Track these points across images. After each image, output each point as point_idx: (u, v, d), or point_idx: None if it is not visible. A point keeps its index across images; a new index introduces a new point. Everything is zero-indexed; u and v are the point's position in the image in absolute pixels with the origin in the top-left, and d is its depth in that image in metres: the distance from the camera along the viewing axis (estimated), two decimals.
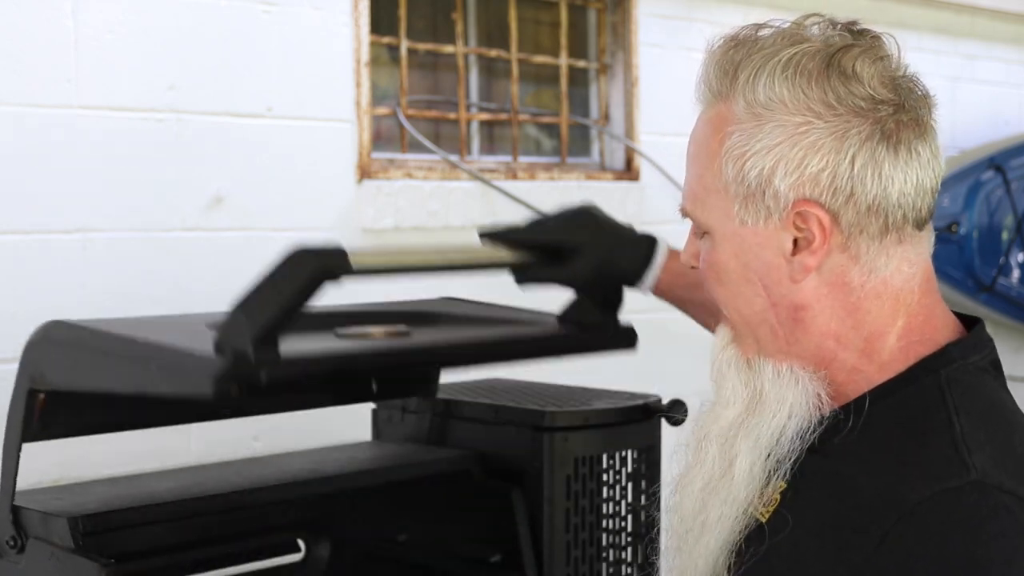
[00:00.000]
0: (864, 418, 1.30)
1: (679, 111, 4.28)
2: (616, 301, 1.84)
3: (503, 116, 3.56)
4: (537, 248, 1.76)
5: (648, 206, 3.55)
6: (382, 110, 3.25)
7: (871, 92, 1.27)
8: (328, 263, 1.43)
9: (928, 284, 1.34)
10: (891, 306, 1.31)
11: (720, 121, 1.32)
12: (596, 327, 1.84)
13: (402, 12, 3.29)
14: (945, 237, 4.49)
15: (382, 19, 3.24)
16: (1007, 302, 4.72)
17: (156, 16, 2.71)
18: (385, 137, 3.29)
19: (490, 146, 3.58)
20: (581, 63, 3.71)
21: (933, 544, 1.17)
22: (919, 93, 1.31)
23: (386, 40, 3.27)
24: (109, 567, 1.60)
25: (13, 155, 2.48)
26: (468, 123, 3.48)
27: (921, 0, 4.61)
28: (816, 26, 1.31)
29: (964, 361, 1.31)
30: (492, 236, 1.76)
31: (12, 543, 1.72)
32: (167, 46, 2.72)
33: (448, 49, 3.42)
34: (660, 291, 1.82)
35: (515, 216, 3.35)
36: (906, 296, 1.31)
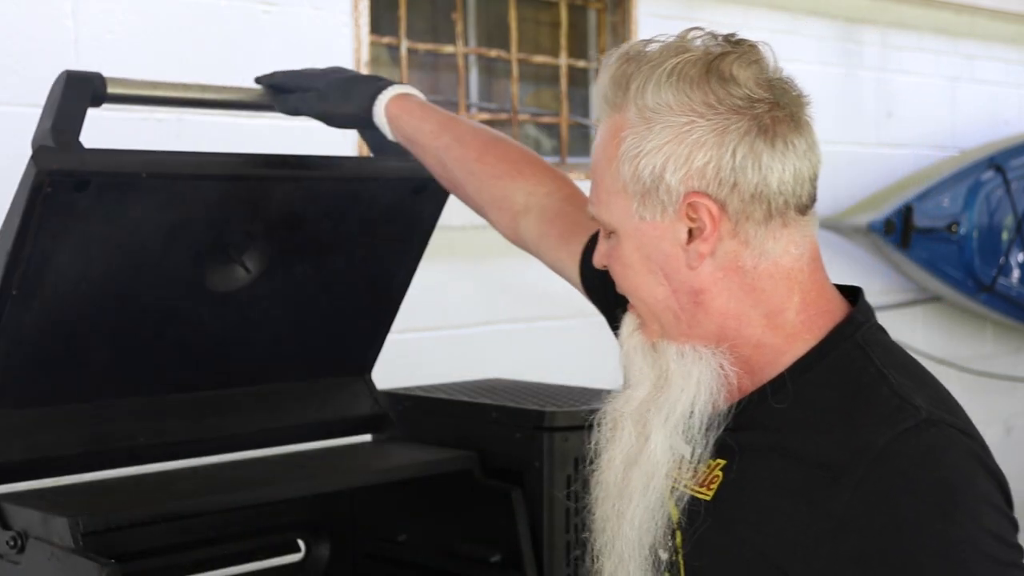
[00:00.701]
0: (794, 390, 1.40)
1: None
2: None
3: (503, 116, 3.56)
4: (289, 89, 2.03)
5: None
6: None
7: (748, 92, 1.39)
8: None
9: (816, 263, 1.45)
10: (785, 285, 1.42)
11: (615, 129, 1.43)
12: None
13: (402, 12, 3.29)
14: (945, 237, 4.49)
15: (382, 19, 3.24)
16: (1007, 302, 4.72)
17: (156, 16, 2.71)
18: None
19: None
20: (581, 63, 3.71)
21: (907, 477, 1.29)
22: (794, 93, 1.45)
23: (386, 40, 3.27)
24: (109, 567, 1.60)
25: (14, 155, 2.47)
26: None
27: (921, 0, 4.61)
28: (699, 39, 1.46)
29: (869, 324, 1.45)
30: (261, 79, 2.06)
31: (12, 543, 1.72)
32: (167, 46, 2.72)
33: (448, 49, 3.42)
34: (395, 129, 1.94)
35: None
36: (797, 275, 1.42)
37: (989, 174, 4.63)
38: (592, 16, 3.78)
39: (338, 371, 2.27)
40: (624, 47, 1.46)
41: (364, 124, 1.96)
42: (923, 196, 4.41)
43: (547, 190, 1.83)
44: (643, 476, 1.45)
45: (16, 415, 1.89)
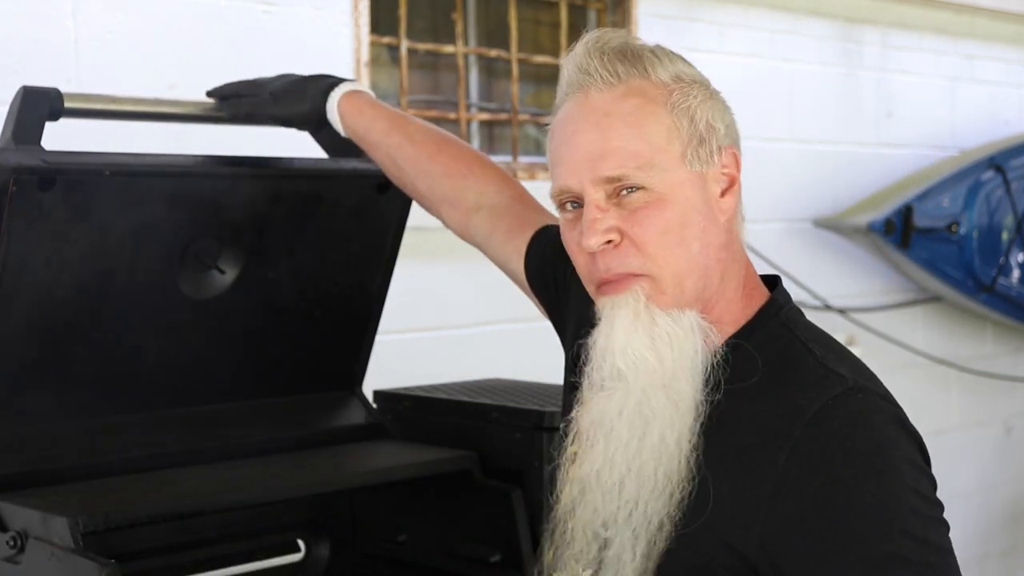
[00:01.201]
0: (731, 364, 1.45)
1: None
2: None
3: (503, 116, 3.56)
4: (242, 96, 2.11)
5: None
6: None
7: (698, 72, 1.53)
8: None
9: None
10: (740, 256, 1.53)
11: (644, 91, 1.46)
12: None
13: (402, 12, 3.29)
14: (945, 237, 4.49)
15: (382, 19, 3.24)
16: (1007, 302, 4.72)
17: (156, 16, 2.71)
18: None
19: (490, 146, 3.58)
20: None
21: (840, 439, 1.36)
22: None
23: (386, 40, 3.27)
24: (109, 567, 1.60)
25: None
26: (468, 123, 3.48)
27: (921, 0, 4.61)
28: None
29: (788, 306, 1.53)
30: (212, 92, 2.14)
31: (12, 543, 1.72)
32: (167, 46, 2.72)
33: (448, 49, 3.42)
34: (347, 127, 2.00)
35: None
36: (743, 247, 1.54)
37: (989, 174, 4.63)
38: (592, 16, 3.78)
39: (328, 382, 2.28)
40: (594, 34, 1.50)
41: (318, 123, 2.02)
42: (923, 196, 4.41)
43: (496, 189, 1.88)
44: (658, 438, 1.44)
45: (7, 429, 1.90)
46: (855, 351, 3.94)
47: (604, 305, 1.46)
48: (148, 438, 2.03)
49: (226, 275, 2.07)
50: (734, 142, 1.50)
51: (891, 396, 1.45)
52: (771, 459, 1.36)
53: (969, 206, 4.55)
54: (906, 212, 4.32)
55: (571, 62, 1.50)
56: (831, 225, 4.34)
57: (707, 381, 1.44)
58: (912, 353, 4.63)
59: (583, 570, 1.50)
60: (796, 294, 4.25)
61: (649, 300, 1.44)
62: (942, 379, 4.82)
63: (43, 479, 1.89)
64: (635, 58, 1.47)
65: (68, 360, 1.95)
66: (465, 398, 2.25)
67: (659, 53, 1.49)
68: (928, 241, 4.43)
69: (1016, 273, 4.74)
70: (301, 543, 2.18)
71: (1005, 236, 4.68)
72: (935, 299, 4.74)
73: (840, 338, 4.00)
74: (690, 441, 1.43)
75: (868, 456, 1.35)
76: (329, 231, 2.16)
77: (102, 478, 1.94)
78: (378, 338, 2.32)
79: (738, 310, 1.50)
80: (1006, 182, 4.65)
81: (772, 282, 1.59)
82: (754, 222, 4.31)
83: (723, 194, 1.48)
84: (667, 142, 1.44)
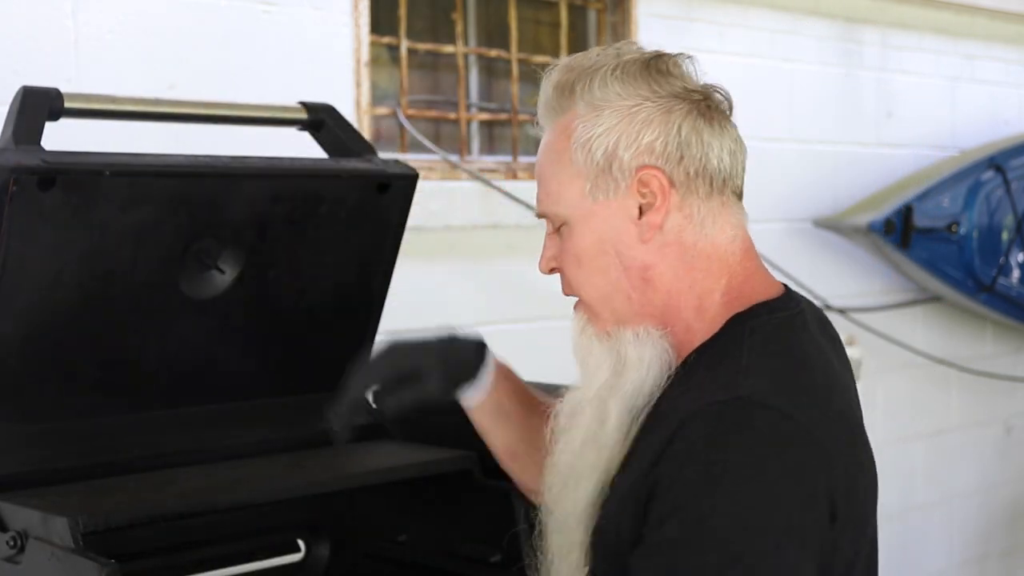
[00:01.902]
0: (684, 372, 1.51)
1: None
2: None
3: (503, 116, 3.56)
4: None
5: None
6: (382, 110, 3.26)
7: (684, 84, 1.53)
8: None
9: (748, 250, 1.57)
10: (718, 266, 1.53)
11: (564, 127, 1.54)
12: None
13: (402, 12, 3.29)
14: (945, 237, 4.49)
15: (382, 19, 3.24)
16: (1007, 302, 4.72)
17: (156, 16, 2.71)
18: (385, 137, 3.29)
19: (490, 146, 3.58)
20: None
21: (692, 444, 1.38)
22: (720, 96, 1.57)
23: (386, 40, 3.27)
24: (109, 567, 1.60)
25: None
26: (468, 123, 3.48)
27: (921, 0, 4.61)
28: (631, 49, 1.57)
29: (770, 316, 1.51)
30: (336, 416, 1.84)
31: (12, 543, 1.72)
32: (167, 46, 2.72)
33: (448, 49, 3.42)
34: (497, 390, 1.85)
35: (514, 214, 3.35)
36: (729, 257, 1.54)
37: (989, 174, 4.63)
38: (592, 16, 3.78)
39: (328, 382, 2.28)
40: (562, 60, 1.58)
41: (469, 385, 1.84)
42: (923, 196, 4.41)
43: None
44: (595, 457, 1.53)
45: (7, 429, 1.90)
46: (855, 351, 3.90)
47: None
48: (148, 438, 2.03)
49: (226, 275, 2.07)
50: (661, 156, 1.50)
51: (811, 417, 1.41)
52: (658, 449, 1.42)
53: (969, 206, 4.55)
54: (906, 212, 4.32)
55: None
56: (831, 225, 4.34)
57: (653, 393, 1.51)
58: (912, 353, 4.63)
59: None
60: None
61: (588, 322, 1.57)
62: (942, 379, 4.82)
63: (43, 479, 1.89)
64: (570, 90, 1.53)
65: (68, 360, 1.95)
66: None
67: (599, 76, 1.52)
68: (928, 241, 4.43)
69: (1016, 273, 4.74)
70: (301, 543, 2.18)
71: (1005, 236, 4.68)
72: (935, 299, 4.74)
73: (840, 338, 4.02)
74: (620, 441, 1.51)
75: (708, 469, 1.37)
76: (329, 231, 2.16)
77: (102, 478, 1.94)
78: (378, 338, 2.32)
79: (710, 319, 1.52)
80: (1006, 182, 4.65)
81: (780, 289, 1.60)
82: (754, 222, 4.28)
83: (642, 214, 1.51)
84: (570, 179, 1.53)
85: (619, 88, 1.51)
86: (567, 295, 1.59)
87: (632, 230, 1.51)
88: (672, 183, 1.50)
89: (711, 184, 1.52)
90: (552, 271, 1.59)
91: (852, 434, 1.48)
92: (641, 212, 1.51)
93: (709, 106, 1.53)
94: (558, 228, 1.56)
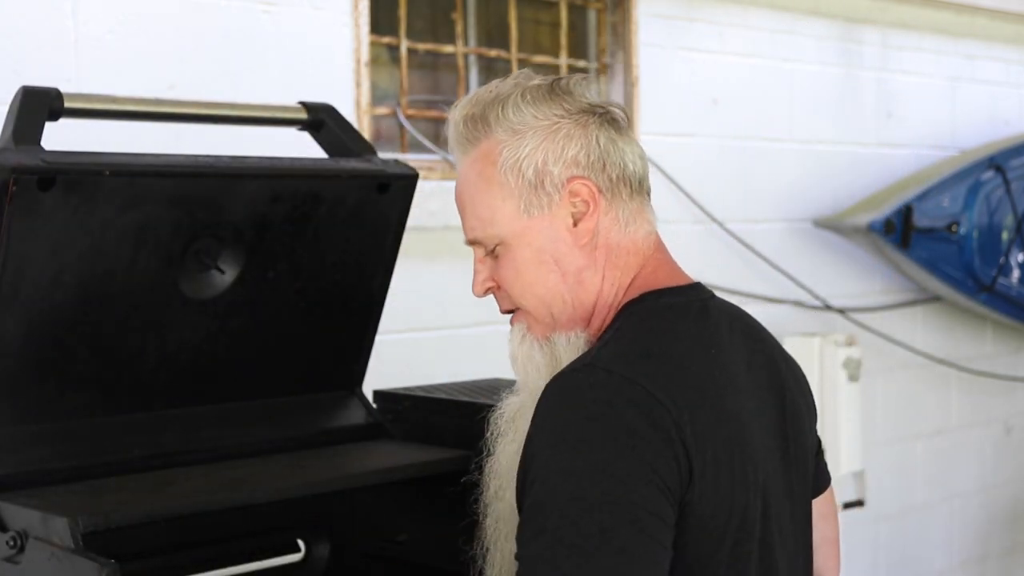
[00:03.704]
0: None
1: (679, 111, 4.32)
2: None
3: None
4: None
5: None
6: (382, 110, 3.26)
7: (587, 102, 1.65)
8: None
9: (659, 244, 1.68)
10: (635, 260, 1.65)
11: (485, 154, 1.64)
12: None
13: (402, 12, 3.29)
14: (945, 237, 4.49)
15: (382, 19, 3.24)
16: (1007, 302, 4.72)
17: (156, 16, 2.71)
18: (385, 137, 3.29)
19: None
20: (581, 63, 3.72)
21: (548, 402, 1.49)
22: (617, 110, 1.67)
23: (386, 40, 3.27)
24: (109, 567, 1.60)
25: None
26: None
27: (921, 0, 4.61)
28: (532, 77, 1.67)
29: (656, 301, 1.62)
30: None
31: (12, 543, 1.72)
32: (167, 46, 2.72)
33: (448, 49, 3.42)
34: None
35: None
36: (644, 251, 1.66)
37: (989, 174, 4.62)
38: (592, 16, 3.78)
39: (328, 382, 2.29)
40: (462, 99, 1.69)
41: None
42: (923, 196, 4.41)
43: None
44: None
45: (7, 430, 1.90)
46: (854, 351, 3.89)
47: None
48: (148, 438, 2.03)
49: (226, 275, 2.07)
50: (587, 167, 1.62)
51: (650, 381, 1.48)
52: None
53: (969, 206, 4.55)
54: (906, 212, 4.32)
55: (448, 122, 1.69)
56: (831, 225, 4.34)
57: None
58: (912, 353, 4.63)
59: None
60: (796, 294, 4.25)
61: (528, 331, 1.67)
62: (942, 379, 4.82)
63: (43, 479, 1.89)
64: (483, 120, 1.64)
65: (68, 360, 1.95)
66: (465, 398, 2.25)
67: (510, 103, 1.63)
68: (928, 241, 4.43)
69: (1016, 273, 4.74)
70: (301, 543, 2.18)
71: (1005, 236, 4.68)
72: (935, 299, 4.74)
73: (840, 338, 4.03)
74: None
75: (553, 424, 1.47)
76: (329, 231, 2.16)
77: (102, 478, 1.94)
78: (378, 338, 2.32)
79: (616, 309, 1.63)
80: (1006, 182, 4.65)
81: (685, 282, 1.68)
82: (754, 222, 4.31)
83: (577, 222, 1.62)
84: (502, 200, 1.63)
85: (533, 111, 1.62)
86: (505, 312, 1.70)
87: (567, 238, 1.62)
88: (600, 190, 1.62)
89: (631, 187, 1.64)
90: (487, 292, 1.70)
91: (706, 406, 1.51)
92: (575, 220, 1.62)
93: (614, 118, 1.65)
94: (492, 250, 1.67)
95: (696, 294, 1.66)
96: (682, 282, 1.67)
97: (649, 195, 1.69)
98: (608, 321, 1.63)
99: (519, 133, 1.62)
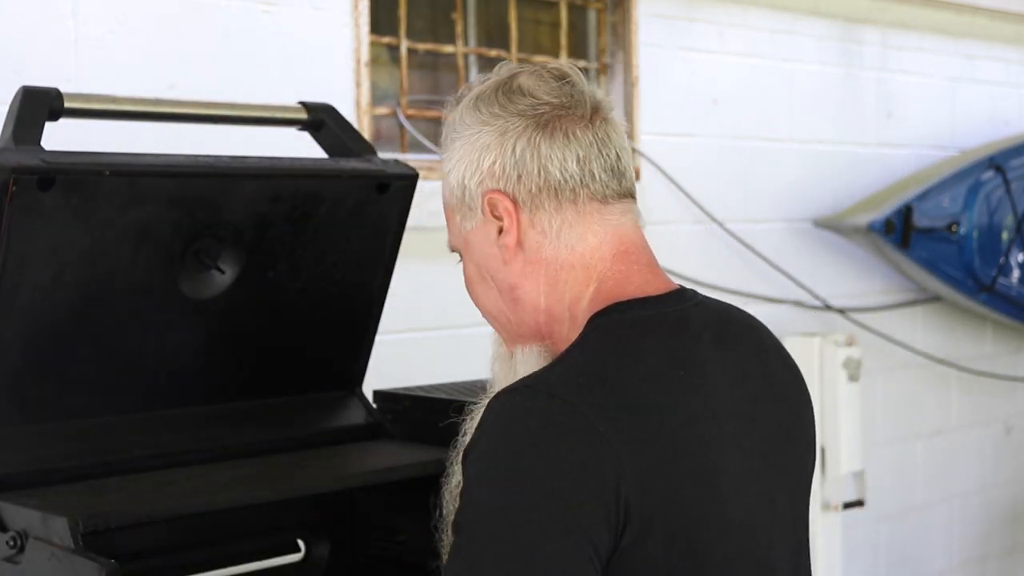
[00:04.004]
0: None
1: (679, 111, 4.32)
2: None
3: None
4: None
5: (648, 206, 3.55)
6: (382, 110, 3.26)
7: (534, 100, 1.53)
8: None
9: (623, 253, 1.54)
10: (583, 274, 1.53)
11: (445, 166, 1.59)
12: None
13: (402, 12, 3.29)
14: (945, 237, 4.49)
15: (382, 19, 3.24)
16: (1007, 302, 4.72)
17: (156, 16, 2.71)
18: (385, 137, 3.29)
19: None
20: (581, 63, 3.71)
21: (486, 422, 1.42)
22: (588, 102, 1.55)
23: (386, 40, 3.27)
24: (109, 567, 1.60)
25: None
26: None
27: (921, 0, 4.61)
28: (519, 70, 1.58)
29: (621, 315, 1.49)
30: None
31: (12, 543, 1.72)
32: (167, 46, 2.72)
33: (448, 49, 3.42)
34: None
35: None
36: (596, 263, 1.53)
37: (989, 174, 4.63)
38: (592, 16, 3.78)
39: (328, 382, 2.29)
40: (459, 92, 1.61)
41: None
42: (923, 196, 4.41)
43: None
44: None
45: (7, 430, 1.90)
46: (854, 351, 3.90)
47: None
48: (148, 438, 2.03)
49: (226, 275, 2.07)
50: (501, 178, 1.53)
51: (587, 406, 1.39)
52: None
53: (969, 206, 4.55)
54: (906, 212, 4.32)
55: None
56: (831, 225, 4.34)
57: None
58: (912, 353, 4.63)
59: None
60: (796, 294, 4.25)
61: (501, 344, 1.65)
62: (942, 379, 4.82)
63: (43, 479, 1.89)
64: (448, 125, 1.59)
65: (68, 360, 1.95)
66: (465, 398, 2.25)
67: (459, 110, 1.57)
68: (928, 241, 4.43)
69: (1016, 273, 4.74)
70: (301, 543, 2.18)
71: (1005, 236, 4.68)
72: (935, 299, 4.74)
73: (840, 338, 4.03)
74: None
75: (485, 447, 1.40)
76: (329, 231, 2.16)
77: (102, 478, 1.94)
78: (378, 338, 2.32)
79: (579, 326, 1.52)
80: (1006, 182, 4.65)
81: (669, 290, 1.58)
82: (754, 222, 4.32)
83: (500, 234, 1.54)
84: (450, 212, 1.60)
85: (468, 117, 1.55)
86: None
87: (496, 253, 1.56)
88: (516, 203, 1.53)
89: (558, 196, 1.52)
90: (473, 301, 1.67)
91: (664, 436, 1.41)
92: (500, 234, 1.54)
93: (555, 116, 1.52)
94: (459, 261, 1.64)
95: (673, 305, 1.53)
96: (658, 291, 1.54)
97: (603, 201, 1.54)
98: (575, 332, 1.52)
99: (453, 142, 1.57)
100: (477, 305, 1.65)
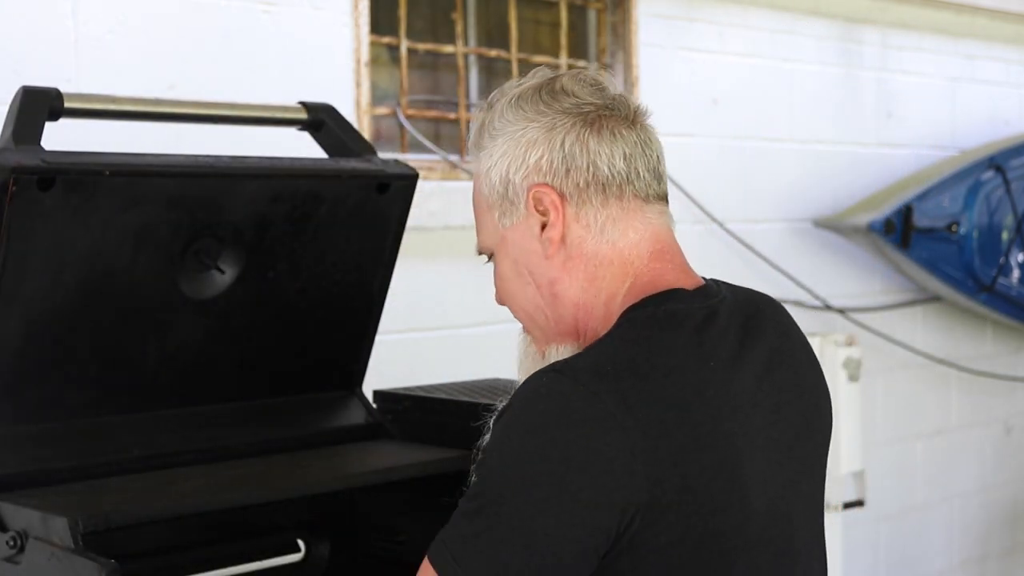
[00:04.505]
0: None
1: (679, 111, 4.32)
2: None
3: None
4: None
5: None
6: (382, 110, 3.26)
7: (578, 100, 1.56)
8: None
9: (660, 251, 1.58)
10: (621, 270, 1.56)
11: (480, 164, 1.61)
12: None
13: (402, 12, 3.29)
14: (945, 237, 4.49)
15: (382, 19, 3.24)
16: (1007, 302, 4.72)
17: (156, 16, 2.71)
18: (385, 137, 3.29)
19: None
20: (581, 63, 3.72)
21: (515, 398, 1.45)
22: (630, 105, 1.60)
23: (386, 40, 3.27)
24: (109, 567, 1.60)
25: None
26: (468, 123, 3.48)
27: (921, 0, 4.61)
28: (558, 74, 1.61)
29: (656, 307, 1.52)
30: None
31: (12, 543, 1.72)
32: (167, 46, 2.72)
33: (448, 49, 3.42)
34: None
35: None
36: (634, 260, 1.56)
37: (989, 174, 4.63)
38: (592, 16, 3.78)
39: (328, 382, 2.29)
40: (484, 100, 1.64)
41: None
42: (923, 196, 4.41)
43: None
44: None
45: (7, 430, 1.90)
46: (854, 351, 3.90)
47: None
48: (148, 438, 2.03)
49: (226, 275, 2.07)
50: (548, 173, 1.55)
51: (610, 393, 1.41)
52: None
53: (969, 206, 4.55)
54: (906, 212, 4.32)
55: None
56: (831, 225, 4.34)
57: None
58: (912, 353, 4.63)
59: None
60: (796, 294, 4.25)
61: (530, 344, 1.65)
62: (942, 379, 4.82)
63: (43, 479, 1.89)
64: (483, 127, 1.60)
65: (68, 360, 1.95)
66: (465, 398, 2.25)
67: (498, 109, 1.59)
68: (928, 241, 4.43)
69: (1016, 273, 4.74)
70: (301, 543, 2.18)
71: (1005, 236, 4.68)
72: (935, 299, 4.74)
73: (840, 338, 4.03)
74: None
75: (508, 421, 1.43)
76: (329, 231, 2.16)
77: (102, 478, 1.94)
78: (378, 338, 2.32)
79: (611, 322, 1.54)
80: (1006, 182, 4.65)
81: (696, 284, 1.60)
82: (754, 222, 4.31)
83: (543, 229, 1.56)
84: (486, 210, 1.61)
85: (511, 116, 1.57)
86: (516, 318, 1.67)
87: (538, 248, 1.57)
88: (563, 197, 1.55)
89: (605, 191, 1.55)
90: (502, 303, 1.67)
91: (685, 428, 1.43)
92: (543, 229, 1.56)
93: (600, 115, 1.56)
94: (489, 260, 1.65)
95: (703, 300, 1.55)
96: (691, 284, 1.57)
97: (648, 197, 1.58)
98: (608, 326, 1.53)
99: (494, 140, 1.59)
100: (510, 304, 1.64)
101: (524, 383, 1.47)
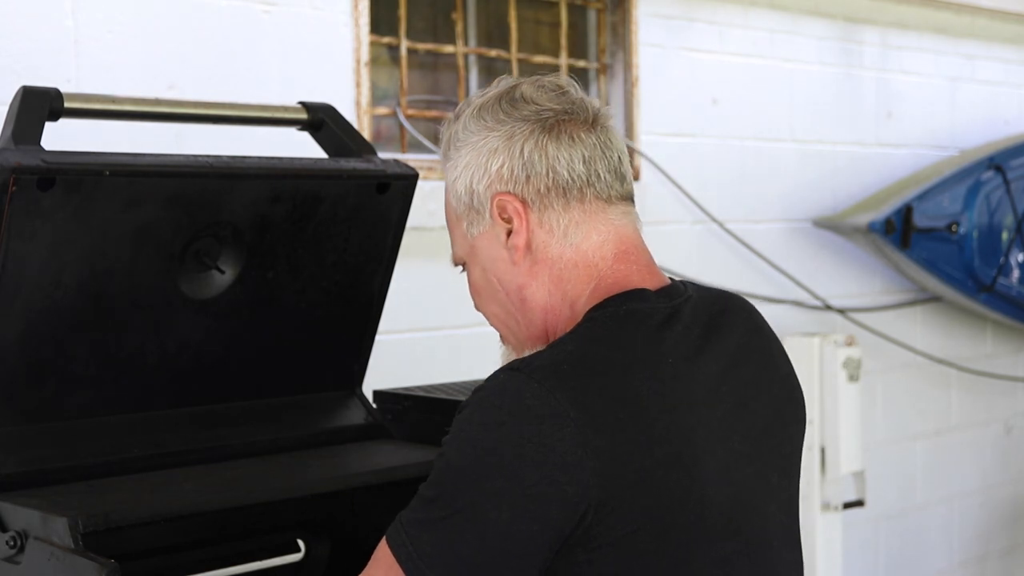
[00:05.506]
0: None
1: (679, 111, 4.32)
2: None
3: None
4: None
5: (648, 206, 3.55)
6: (382, 110, 3.26)
7: (537, 107, 1.58)
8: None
9: (624, 252, 1.59)
10: (585, 273, 1.58)
11: (447, 176, 1.64)
12: None
13: (402, 12, 3.29)
14: (945, 237, 4.49)
15: (382, 19, 3.24)
16: (1007, 302, 4.72)
17: (156, 16, 2.71)
18: (385, 137, 3.29)
19: None
20: (581, 63, 3.72)
21: (474, 395, 1.48)
22: (589, 108, 1.60)
23: (386, 40, 3.27)
24: (109, 567, 1.60)
25: None
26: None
27: (921, 0, 4.61)
28: (520, 83, 1.62)
29: (616, 307, 1.54)
30: None
31: (12, 543, 1.72)
32: (167, 46, 2.72)
33: (448, 49, 3.42)
34: None
35: None
36: (598, 262, 1.58)
37: (989, 174, 4.63)
38: (592, 16, 3.78)
39: (328, 382, 2.29)
40: (458, 107, 1.66)
41: None
42: (923, 196, 4.41)
43: None
44: None
45: (7, 430, 1.90)
46: (854, 351, 3.90)
47: None
48: (148, 438, 2.03)
49: (226, 275, 2.07)
50: (510, 181, 1.57)
51: (564, 391, 1.43)
52: None
53: (969, 206, 4.55)
54: (906, 212, 4.32)
55: None
56: (831, 225, 4.34)
57: None
58: (912, 353, 4.63)
59: None
60: (796, 294, 4.26)
61: (510, 352, 1.67)
62: (942, 379, 4.82)
63: (43, 479, 1.89)
64: (451, 138, 1.62)
65: (68, 360, 1.95)
66: (465, 398, 2.25)
67: (462, 121, 1.61)
68: (928, 241, 4.43)
69: (1016, 273, 4.74)
70: (301, 543, 2.18)
71: (1005, 236, 4.68)
72: (935, 299, 4.74)
73: (840, 338, 4.03)
74: None
75: (465, 416, 1.47)
76: (329, 231, 2.16)
77: (102, 478, 1.94)
78: (378, 338, 2.32)
79: (575, 323, 1.56)
80: (1006, 182, 4.65)
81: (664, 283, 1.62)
82: (754, 222, 4.31)
83: (508, 237, 1.58)
84: (455, 221, 1.64)
85: (473, 126, 1.60)
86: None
87: (505, 256, 1.60)
88: (526, 204, 1.57)
89: (566, 195, 1.57)
90: (479, 310, 1.69)
91: (640, 424, 1.46)
92: (508, 236, 1.58)
93: (560, 120, 1.57)
94: (464, 270, 1.66)
95: (668, 300, 1.57)
96: (655, 285, 1.59)
97: (608, 201, 1.59)
98: (572, 326, 1.56)
99: (458, 151, 1.61)
100: (483, 312, 1.67)
101: (489, 378, 1.49)
